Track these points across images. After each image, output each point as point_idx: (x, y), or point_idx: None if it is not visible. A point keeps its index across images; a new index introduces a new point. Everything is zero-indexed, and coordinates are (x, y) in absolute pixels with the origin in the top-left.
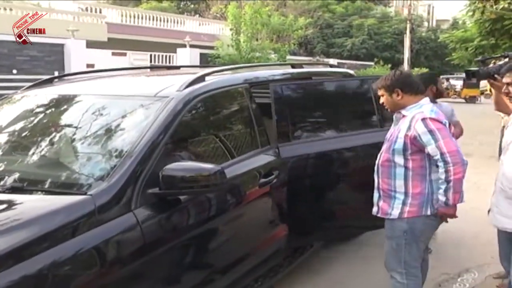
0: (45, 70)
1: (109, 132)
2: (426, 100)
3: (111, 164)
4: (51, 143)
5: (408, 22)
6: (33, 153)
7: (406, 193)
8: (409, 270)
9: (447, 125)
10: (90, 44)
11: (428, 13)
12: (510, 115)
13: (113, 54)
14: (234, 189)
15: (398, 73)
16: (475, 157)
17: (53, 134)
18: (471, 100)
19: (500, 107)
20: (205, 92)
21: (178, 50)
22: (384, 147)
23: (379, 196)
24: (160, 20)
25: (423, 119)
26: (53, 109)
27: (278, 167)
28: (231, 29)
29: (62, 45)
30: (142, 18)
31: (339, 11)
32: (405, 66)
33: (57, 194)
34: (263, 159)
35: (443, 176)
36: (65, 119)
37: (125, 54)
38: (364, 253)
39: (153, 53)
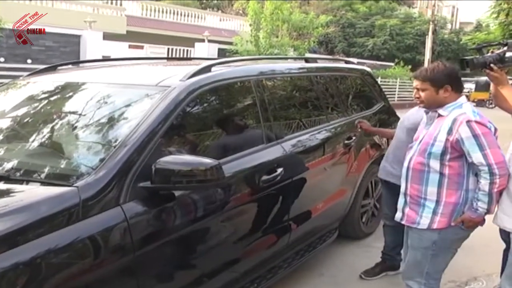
0: (60, 61)
1: (105, 121)
2: (464, 98)
3: (102, 154)
4: (44, 131)
5: (431, 23)
6: (25, 141)
7: (437, 201)
8: (429, 281)
9: (493, 129)
10: (109, 37)
11: (452, 15)
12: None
13: (130, 46)
14: (233, 186)
15: (448, 66)
16: None
17: (47, 122)
18: (480, 103)
19: (498, 101)
20: (210, 83)
21: (196, 44)
22: (413, 149)
23: (405, 202)
24: (181, 15)
25: (468, 122)
26: (49, 97)
27: (283, 164)
28: (250, 25)
29: (78, 36)
30: (162, 12)
31: (363, 11)
32: None
33: (44, 184)
34: (267, 155)
35: (486, 188)
36: (61, 107)
37: (142, 47)
38: (371, 255)
39: (170, 47)
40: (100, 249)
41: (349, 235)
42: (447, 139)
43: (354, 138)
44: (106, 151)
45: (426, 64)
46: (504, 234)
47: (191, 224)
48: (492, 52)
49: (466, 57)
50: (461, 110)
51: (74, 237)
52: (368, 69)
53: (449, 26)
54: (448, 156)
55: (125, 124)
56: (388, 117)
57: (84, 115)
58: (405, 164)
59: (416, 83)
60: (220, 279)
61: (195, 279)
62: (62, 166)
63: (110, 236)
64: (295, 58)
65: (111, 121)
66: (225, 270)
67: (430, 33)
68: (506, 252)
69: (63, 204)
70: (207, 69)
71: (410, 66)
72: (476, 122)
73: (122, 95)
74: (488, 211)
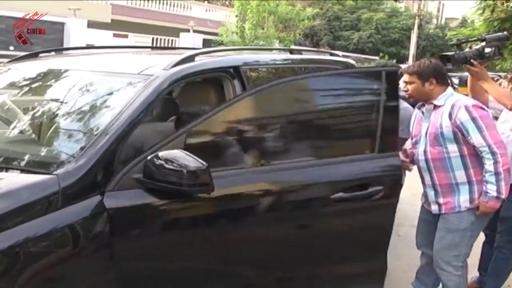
0: (43, 48)
1: (87, 109)
2: (451, 89)
3: (83, 142)
4: (25, 118)
5: (417, 17)
6: (5, 128)
7: (470, 182)
8: (464, 262)
9: (490, 112)
10: (93, 25)
11: (438, 10)
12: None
13: (115, 35)
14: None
15: (434, 62)
16: None
17: (27, 110)
18: None
19: (475, 94)
20: (194, 72)
21: (181, 34)
22: (422, 143)
23: (437, 193)
24: (166, 4)
25: (466, 106)
26: (31, 84)
27: None
28: (236, 16)
29: (62, 24)
30: (148, 0)
31: (349, 4)
32: (410, 63)
33: (24, 172)
34: None
35: (492, 168)
36: (41, 94)
37: (126, 36)
38: None
39: (155, 36)
40: (78, 238)
41: None
42: (451, 123)
43: None
44: (87, 139)
45: (410, 59)
46: (485, 227)
47: (182, 230)
48: (471, 47)
49: (447, 53)
50: (455, 97)
51: (53, 226)
52: (353, 61)
53: (434, 21)
54: (461, 137)
55: (107, 112)
56: None
57: (66, 102)
58: (421, 157)
59: (405, 77)
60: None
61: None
62: (42, 154)
63: (88, 226)
64: (280, 49)
65: (93, 109)
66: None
67: (415, 27)
68: (485, 245)
69: (42, 192)
70: (190, 58)
71: (394, 60)
72: (474, 105)
73: (104, 83)
74: (499, 193)
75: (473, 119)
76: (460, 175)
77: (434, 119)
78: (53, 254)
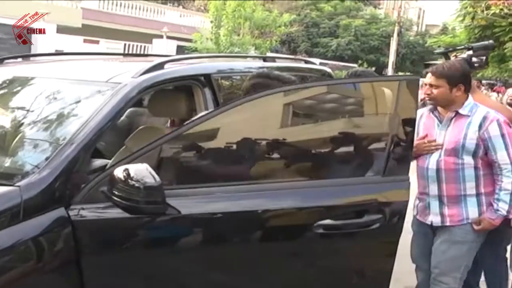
0: (10, 53)
1: (53, 118)
2: (471, 98)
3: (48, 152)
4: None
5: (396, 24)
6: None
7: (478, 194)
8: (464, 274)
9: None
10: (63, 30)
11: (418, 17)
12: None
13: (85, 41)
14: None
15: (463, 65)
16: None
17: None
18: None
19: None
20: (163, 80)
21: (154, 40)
22: (441, 152)
23: (442, 204)
24: (140, 9)
25: (499, 121)
26: None
27: None
28: (211, 22)
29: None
30: (120, 5)
31: (328, 10)
32: (390, 70)
33: None
34: None
35: (509, 187)
36: (5, 102)
37: (97, 42)
38: None
39: (127, 42)
40: (42, 252)
41: None
42: (477, 136)
43: None
44: (52, 149)
45: (390, 67)
46: None
47: (149, 246)
48: (456, 56)
49: (435, 61)
50: (484, 109)
51: (15, 240)
52: (329, 69)
53: (415, 28)
54: (481, 152)
55: (73, 121)
56: None
57: (32, 111)
58: (432, 166)
59: (430, 79)
60: None
61: None
62: (6, 164)
63: (52, 239)
64: (253, 57)
65: (59, 118)
66: None
67: (395, 34)
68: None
69: (3, 205)
70: (160, 66)
71: (373, 68)
72: (504, 121)
73: (71, 91)
74: (508, 213)
75: (503, 136)
76: (470, 187)
77: (455, 128)
78: (16, 269)
